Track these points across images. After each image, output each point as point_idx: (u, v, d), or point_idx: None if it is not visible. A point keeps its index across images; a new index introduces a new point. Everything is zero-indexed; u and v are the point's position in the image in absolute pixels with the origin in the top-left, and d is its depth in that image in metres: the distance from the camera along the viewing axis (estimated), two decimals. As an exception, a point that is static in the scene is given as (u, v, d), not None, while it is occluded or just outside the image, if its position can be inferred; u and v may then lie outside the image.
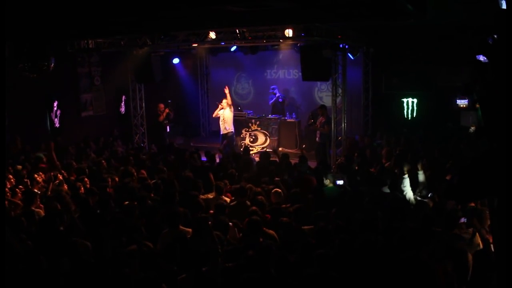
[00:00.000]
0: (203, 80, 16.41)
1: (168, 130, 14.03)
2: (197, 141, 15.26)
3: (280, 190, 6.60)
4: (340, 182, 7.29)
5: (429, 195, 6.67)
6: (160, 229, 5.57)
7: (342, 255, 4.49)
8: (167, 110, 13.68)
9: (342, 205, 6.10)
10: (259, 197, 6.36)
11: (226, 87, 12.83)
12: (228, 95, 12.65)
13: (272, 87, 14.19)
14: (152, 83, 13.28)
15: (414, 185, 6.83)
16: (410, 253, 4.32)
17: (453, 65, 11.39)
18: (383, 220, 5.45)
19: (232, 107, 12.63)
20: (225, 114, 12.54)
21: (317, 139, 11.90)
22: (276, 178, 7.64)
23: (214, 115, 13.05)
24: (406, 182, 6.65)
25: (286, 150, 12.27)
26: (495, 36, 3.18)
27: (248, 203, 6.43)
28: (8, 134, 8.97)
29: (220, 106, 12.57)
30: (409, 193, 6.63)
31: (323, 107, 11.84)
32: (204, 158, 10.07)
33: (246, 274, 4.11)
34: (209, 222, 5.27)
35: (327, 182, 7.35)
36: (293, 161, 9.41)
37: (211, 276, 4.32)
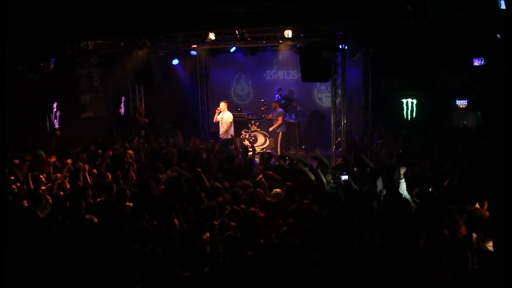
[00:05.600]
0: (202, 81, 16.41)
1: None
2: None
3: (280, 190, 6.59)
4: (345, 177, 7.15)
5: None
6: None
7: (338, 258, 4.48)
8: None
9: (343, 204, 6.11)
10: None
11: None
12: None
13: (277, 88, 14.18)
14: (151, 84, 13.28)
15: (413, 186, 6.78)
16: (415, 258, 4.30)
17: (453, 66, 11.39)
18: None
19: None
20: (223, 118, 12.45)
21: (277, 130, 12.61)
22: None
23: (214, 120, 12.95)
24: (403, 186, 6.57)
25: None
26: (497, 35, 3.18)
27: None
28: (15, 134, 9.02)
29: (217, 110, 12.53)
30: (407, 197, 6.57)
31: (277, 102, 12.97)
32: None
33: (247, 274, 4.10)
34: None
35: (328, 178, 7.28)
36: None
37: (213, 276, 4.31)
